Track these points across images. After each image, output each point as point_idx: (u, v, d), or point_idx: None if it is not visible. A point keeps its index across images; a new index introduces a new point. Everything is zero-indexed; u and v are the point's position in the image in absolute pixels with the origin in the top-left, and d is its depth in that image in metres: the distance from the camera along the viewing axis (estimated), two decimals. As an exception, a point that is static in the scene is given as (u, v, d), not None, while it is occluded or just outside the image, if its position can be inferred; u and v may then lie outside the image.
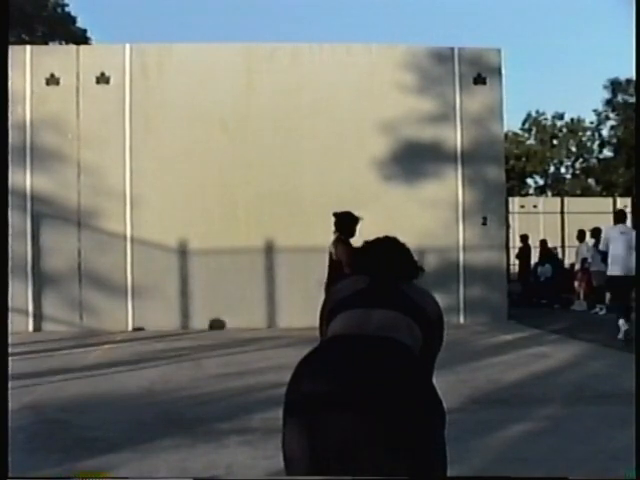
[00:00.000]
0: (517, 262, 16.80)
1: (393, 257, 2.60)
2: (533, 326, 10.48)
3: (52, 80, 10.65)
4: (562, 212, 23.23)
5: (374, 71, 11.10)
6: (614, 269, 9.26)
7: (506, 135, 27.55)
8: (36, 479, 3.69)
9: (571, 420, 4.98)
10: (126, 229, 10.64)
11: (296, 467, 2.23)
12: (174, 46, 11.25)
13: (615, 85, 36.29)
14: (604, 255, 9.51)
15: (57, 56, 11.15)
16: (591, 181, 41.28)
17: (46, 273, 10.54)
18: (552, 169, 42.84)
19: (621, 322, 9.16)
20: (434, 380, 2.35)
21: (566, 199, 25.90)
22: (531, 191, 41.68)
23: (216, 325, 10.62)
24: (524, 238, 16.68)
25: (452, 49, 11.37)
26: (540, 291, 14.63)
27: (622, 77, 35.29)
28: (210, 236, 10.60)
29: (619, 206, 23.01)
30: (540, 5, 57.94)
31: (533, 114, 41.93)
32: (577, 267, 14.27)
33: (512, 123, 40.11)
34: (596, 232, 11.97)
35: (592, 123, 40.47)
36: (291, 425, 2.24)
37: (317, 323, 2.71)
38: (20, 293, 9.93)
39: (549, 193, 40.42)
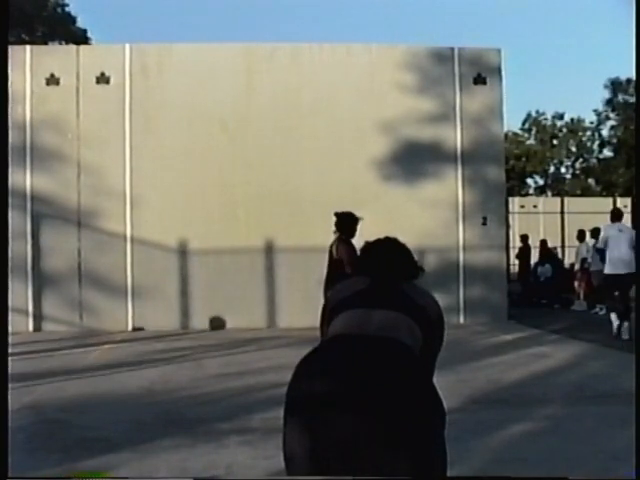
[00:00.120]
0: (517, 262, 16.80)
1: (394, 258, 2.61)
2: (533, 326, 10.48)
3: (52, 80, 10.65)
4: (562, 212, 23.22)
5: (374, 71, 11.10)
6: (613, 267, 9.26)
7: (506, 135, 27.54)
8: (36, 479, 3.69)
9: (571, 420, 4.98)
10: (126, 229, 10.64)
11: (297, 467, 2.23)
12: (174, 46, 11.25)
13: (615, 85, 36.30)
14: (602, 253, 9.52)
15: (57, 56, 11.15)
16: (591, 181, 41.29)
17: (46, 273, 10.54)
18: (552, 169, 42.84)
19: (613, 317, 9.27)
20: (434, 380, 2.35)
21: (566, 199, 25.90)
22: (531, 191, 41.69)
23: (217, 324, 10.62)
24: (524, 238, 16.69)
25: (452, 49, 11.37)
26: (540, 291, 14.63)
27: (622, 77, 35.35)
28: (210, 236, 10.60)
29: (619, 206, 23.07)
30: (540, 5, 57.96)
31: (533, 114, 41.96)
32: (577, 267, 14.27)
33: (512, 123, 40.15)
34: (596, 232, 11.97)
35: (592, 123, 40.50)
36: (292, 425, 2.25)
37: (317, 323, 2.71)
38: (20, 293, 9.93)
39: (549, 193, 40.42)
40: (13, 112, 9.81)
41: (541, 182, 42.81)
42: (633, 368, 5.45)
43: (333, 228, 7.05)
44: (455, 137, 11.14)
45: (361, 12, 56.53)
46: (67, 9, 28.66)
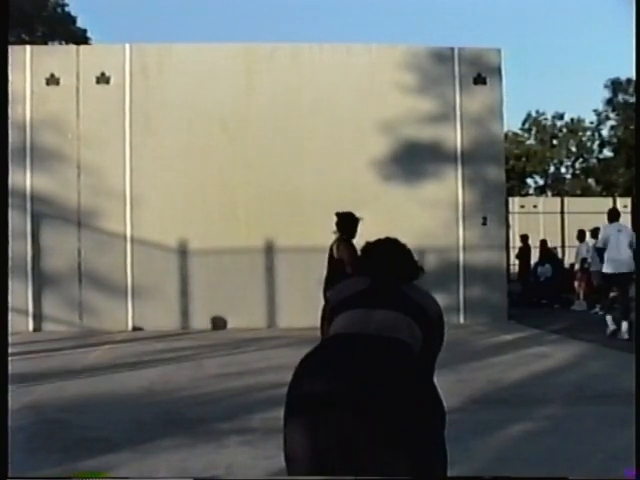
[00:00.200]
0: (517, 262, 16.80)
1: (394, 258, 2.62)
2: (533, 326, 10.48)
3: (52, 80, 10.65)
4: (562, 212, 23.22)
5: (374, 71, 11.10)
6: (613, 267, 9.31)
7: (506, 135, 27.52)
8: (36, 479, 3.69)
9: (571, 420, 4.98)
10: (126, 229, 10.64)
11: (298, 467, 2.23)
12: (174, 46, 11.25)
13: (616, 85, 36.30)
14: (601, 253, 9.57)
15: (57, 56, 11.15)
16: (591, 181, 41.29)
17: (46, 273, 10.54)
18: (552, 169, 42.84)
19: (609, 319, 9.35)
20: (435, 380, 2.35)
21: (566, 199, 25.90)
22: (531, 191, 41.68)
23: (218, 324, 10.62)
24: (524, 238, 16.69)
25: (452, 49, 11.37)
26: (540, 291, 14.63)
27: (622, 77, 35.35)
28: (210, 236, 10.60)
29: (619, 206, 23.06)
30: (540, 5, 57.95)
31: (533, 114, 41.96)
32: (577, 267, 14.27)
33: (512, 123, 40.14)
34: (596, 232, 11.96)
35: (592, 123, 40.50)
36: (292, 424, 2.25)
37: (317, 323, 2.72)
38: (20, 293, 9.93)
39: (549, 193, 40.42)
40: (13, 112, 9.79)
41: (541, 182, 42.83)
42: (633, 368, 5.44)
43: (334, 228, 7.05)
44: (455, 137, 11.14)
45: (361, 12, 56.54)
46: (67, 9, 28.67)
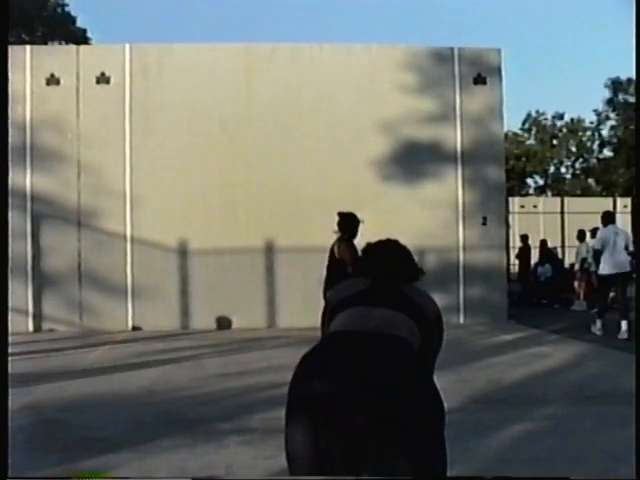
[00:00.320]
0: (517, 262, 16.81)
1: (394, 259, 2.64)
2: (533, 326, 10.48)
3: (52, 80, 10.64)
4: (562, 212, 23.24)
5: (374, 71, 11.10)
6: (612, 268, 9.49)
7: (506, 135, 27.55)
8: (36, 479, 3.69)
9: (571, 420, 4.98)
10: (126, 229, 10.64)
11: (299, 466, 2.23)
12: (174, 46, 11.25)
13: (616, 85, 36.30)
14: (599, 255, 9.72)
15: (57, 56, 11.14)
16: (591, 181, 41.29)
17: (46, 273, 10.53)
18: (552, 169, 42.85)
19: (599, 322, 9.63)
20: (435, 380, 2.35)
21: (566, 199, 25.92)
22: (531, 191, 41.70)
23: (223, 324, 10.62)
24: (524, 238, 16.70)
25: (452, 49, 11.36)
26: (540, 291, 14.62)
27: (622, 77, 35.35)
28: (210, 236, 10.60)
29: (619, 206, 23.11)
30: (540, 5, 57.95)
31: (533, 114, 41.98)
32: (577, 267, 14.27)
33: (512, 123, 40.15)
34: (596, 232, 11.99)
35: (592, 123, 40.51)
36: (293, 424, 2.25)
37: (317, 323, 2.72)
38: (20, 293, 9.93)
39: (549, 193, 40.44)
40: (13, 112, 9.79)
41: (541, 182, 42.83)
42: (633, 368, 5.44)
43: (335, 228, 7.05)
44: (455, 137, 11.13)
45: (361, 12, 56.57)
46: (67, 9, 28.68)
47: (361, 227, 6.97)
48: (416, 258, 2.73)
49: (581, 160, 42.09)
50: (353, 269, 5.87)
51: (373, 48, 11.41)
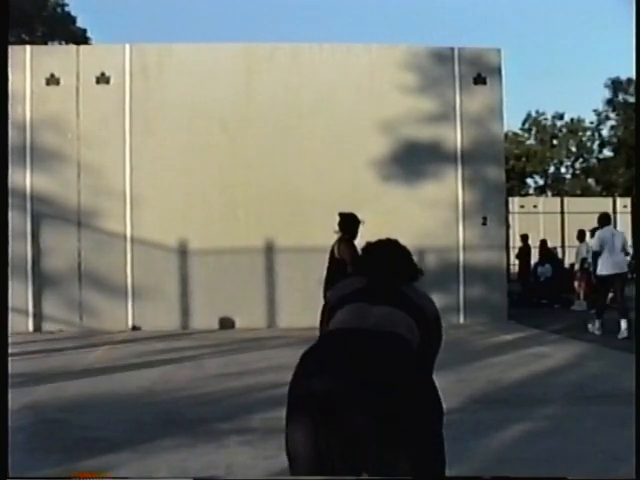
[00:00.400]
0: (517, 262, 16.80)
1: (394, 259, 2.64)
2: (533, 326, 10.48)
3: (52, 80, 10.64)
4: (562, 212, 23.24)
5: (374, 71, 11.10)
6: (610, 268, 9.62)
7: (506, 135, 27.55)
8: (36, 479, 3.69)
9: (571, 420, 4.99)
10: (126, 229, 10.63)
11: (299, 466, 2.23)
12: (174, 46, 11.25)
13: (616, 85, 36.30)
14: (596, 256, 9.84)
15: (57, 56, 11.14)
16: (591, 181, 41.29)
17: (46, 273, 10.53)
18: (552, 169, 42.84)
19: (597, 323, 9.73)
20: (434, 379, 2.35)
21: (566, 199, 25.92)
22: (531, 191, 41.70)
23: (226, 324, 10.62)
24: (524, 238, 16.69)
25: (452, 49, 11.36)
26: (540, 291, 14.62)
27: (622, 77, 35.35)
28: (210, 236, 10.60)
29: (619, 206, 23.12)
30: (540, 5, 57.95)
31: (533, 114, 41.96)
32: (577, 267, 14.27)
33: (512, 123, 40.14)
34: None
35: (592, 123, 40.50)
36: (293, 424, 2.25)
37: (317, 323, 2.72)
38: (20, 293, 9.92)
39: (549, 193, 40.43)
40: (13, 112, 9.80)
41: (541, 182, 42.83)
42: (633, 368, 5.44)
43: (335, 228, 7.05)
44: (455, 137, 11.13)
45: (361, 12, 56.56)
46: (67, 9, 28.68)
47: (361, 227, 6.98)
48: (416, 258, 2.74)
49: (581, 160, 42.09)
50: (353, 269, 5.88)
51: (373, 48, 11.41)
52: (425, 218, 10.76)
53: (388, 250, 2.69)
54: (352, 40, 14.39)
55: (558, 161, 42.45)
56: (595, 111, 39.45)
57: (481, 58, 11.41)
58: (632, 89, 33.34)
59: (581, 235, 14.23)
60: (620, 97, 36.66)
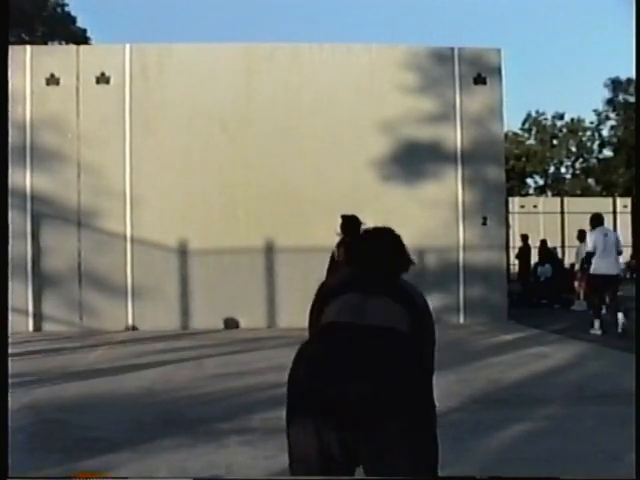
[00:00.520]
0: (517, 262, 16.80)
1: (387, 249, 2.60)
2: (533, 326, 10.48)
3: (52, 80, 10.64)
4: (562, 212, 23.25)
5: (374, 71, 11.10)
6: (605, 269, 9.77)
7: (506, 135, 27.55)
8: (36, 479, 3.69)
9: (571, 420, 4.98)
10: (126, 229, 10.64)
11: (301, 467, 2.23)
12: (174, 46, 11.25)
13: (616, 84, 36.30)
14: (590, 257, 9.96)
15: (57, 56, 11.14)
16: (591, 181, 41.29)
17: (46, 273, 10.53)
18: (552, 169, 42.84)
19: (597, 323, 9.76)
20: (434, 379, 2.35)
21: (566, 199, 25.93)
22: (531, 191, 41.69)
23: (230, 325, 10.62)
24: (524, 238, 16.69)
25: (452, 49, 11.36)
26: (540, 291, 14.61)
27: (622, 77, 35.36)
28: (210, 236, 10.60)
29: (619, 206, 23.13)
30: (540, 5, 57.93)
31: (533, 114, 41.96)
32: (577, 267, 14.26)
33: (512, 123, 40.16)
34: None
35: (592, 123, 40.50)
36: (294, 425, 2.25)
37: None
38: (20, 293, 9.93)
39: (549, 193, 40.43)
40: (13, 112, 9.80)
41: (541, 182, 42.83)
42: (633, 368, 5.45)
43: (337, 230, 7.04)
44: (455, 137, 11.13)
45: (361, 12, 56.57)
46: (67, 9, 28.68)
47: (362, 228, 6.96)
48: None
49: (581, 160, 42.08)
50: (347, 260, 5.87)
51: (373, 48, 11.41)
52: (425, 218, 10.75)
53: (382, 240, 2.67)
54: (352, 40, 14.39)
55: (558, 161, 42.45)
56: (595, 111, 39.51)
57: (481, 58, 11.41)
58: (632, 89, 33.34)
59: (581, 235, 14.20)
60: (620, 97, 36.66)
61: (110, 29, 45.16)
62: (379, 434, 2.15)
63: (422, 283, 2.67)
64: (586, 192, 38.12)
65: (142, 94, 10.75)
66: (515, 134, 40.95)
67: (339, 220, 7.10)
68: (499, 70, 11.37)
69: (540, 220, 23.20)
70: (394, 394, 2.16)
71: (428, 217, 10.82)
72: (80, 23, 28.77)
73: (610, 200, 24.99)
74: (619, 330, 9.34)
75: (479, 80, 11.25)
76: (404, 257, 2.61)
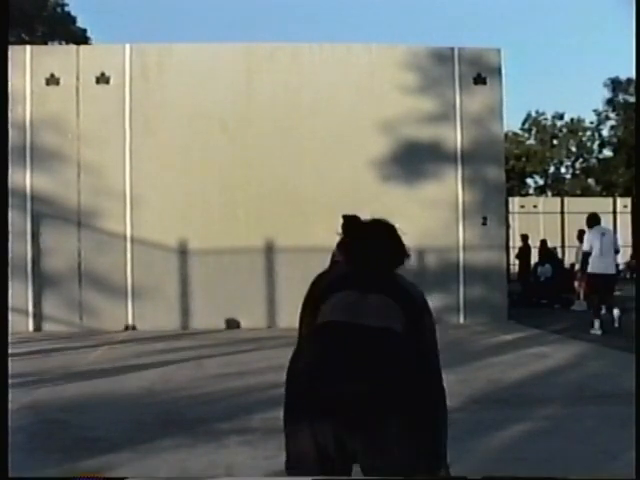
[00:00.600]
0: (517, 262, 16.80)
1: (383, 243, 2.55)
2: (533, 326, 10.48)
3: (52, 80, 10.64)
4: (562, 212, 23.24)
5: (374, 71, 11.10)
6: (603, 268, 9.82)
7: (506, 135, 27.52)
8: (36, 479, 3.69)
9: (571, 420, 4.98)
10: (126, 229, 10.63)
11: (301, 467, 2.23)
12: (174, 46, 11.25)
13: (616, 84, 36.29)
14: (587, 257, 9.99)
15: (57, 56, 11.14)
16: (591, 181, 41.27)
17: (46, 273, 10.53)
18: (552, 169, 42.83)
19: (597, 324, 9.75)
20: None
21: (566, 199, 25.93)
22: (531, 191, 41.68)
23: (232, 324, 10.62)
24: (524, 238, 16.69)
25: (452, 49, 11.36)
26: (540, 291, 14.61)
27: (622, 77, 35.35)
28: (210, 236, 10.60)
29: (619, 206, 23.13)
30: (540, 5, 57.92)
31: (533, 114, 41.94)
32: (577, 267, 14.26)
33: (512, 123, 40.09)
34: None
35: (592, 123, 40.47)
36: (293, 425, 2.25)
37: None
38: (20, 293, 9.93)
39: (549, 193, 40.42)
40: (13, 112, 9.81)
41: (541, 182, 42.81)
42: (633, 368, 5.45)
43: (338, 230, 7.03)
44: (455, 137, 11.13)
45: (361, 12, 56.55)
46: (67, 9, 28.66)
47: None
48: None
49: (581, 160, 42.07)
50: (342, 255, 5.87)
51: (373, 48, 11.41)
52: (425, 218, 10.75)
53: (377, 233, 2.63)
54: (352, 40, 14.36)
55: (558, 161, 42.44)
56: (595, 111, 39.47)
57: (481, 58, 11.41)
58: (632, 89, 33.34)
59: (581, 235, 14.15)
60: (620, 97, 36.65)
61: (110, 29, 45.17)
62: (376, 434, 2.15)
63: (422, 283, 2.66)
64: (586, 192, 38.11)
65: (142, 94, 10.75)
66: (515, 134, 40.93)
67: (340, 220, 7.10)
68: (499, 70, 11.37)
69: (540, 220, 23.20)
70: (390, 394, 2.16)
71: (428, 217, 10.82)
72: (80, 23, 28.78)
73: (610, 200, 24.99)
74: (616, 325, 9.40)
75: (479, 80, 11.25)
76: (402, 251, 2.53)
